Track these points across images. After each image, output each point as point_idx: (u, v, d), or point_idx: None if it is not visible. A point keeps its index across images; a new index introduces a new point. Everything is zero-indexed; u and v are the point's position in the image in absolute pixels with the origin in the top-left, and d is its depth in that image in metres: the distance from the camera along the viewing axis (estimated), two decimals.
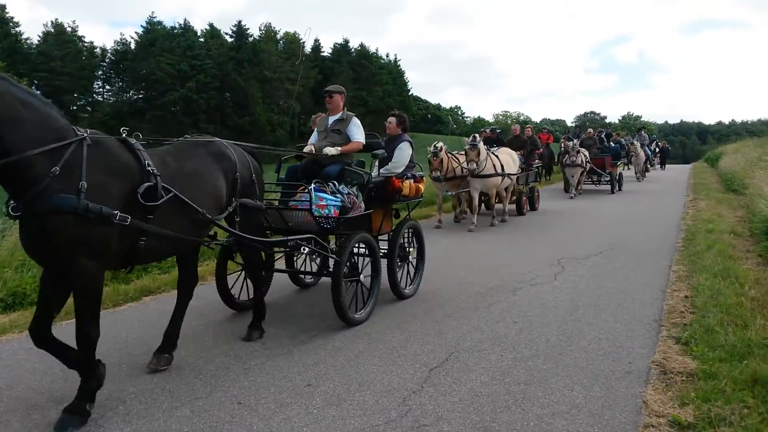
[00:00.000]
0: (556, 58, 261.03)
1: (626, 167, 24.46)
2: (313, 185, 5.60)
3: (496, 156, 11.90)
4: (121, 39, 79.24)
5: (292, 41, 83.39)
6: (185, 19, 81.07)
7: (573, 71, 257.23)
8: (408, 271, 6.74)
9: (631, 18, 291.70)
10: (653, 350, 4.83)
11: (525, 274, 7.57)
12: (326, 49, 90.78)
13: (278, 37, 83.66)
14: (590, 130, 23.21)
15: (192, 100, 70.09)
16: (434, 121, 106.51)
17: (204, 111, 71.01)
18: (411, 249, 6.81)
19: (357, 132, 6.34)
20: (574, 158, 17.34)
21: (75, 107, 75.60)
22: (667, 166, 35.02)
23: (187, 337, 5.30)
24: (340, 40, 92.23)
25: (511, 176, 12.32)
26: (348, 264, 5.57)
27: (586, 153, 18.41)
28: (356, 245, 5.70)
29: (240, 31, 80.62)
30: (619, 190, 19.74)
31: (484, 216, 13.01)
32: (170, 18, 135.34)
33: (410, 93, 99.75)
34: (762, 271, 7.31)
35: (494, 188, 11.96)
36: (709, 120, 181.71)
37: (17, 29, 69.26)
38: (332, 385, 4.23)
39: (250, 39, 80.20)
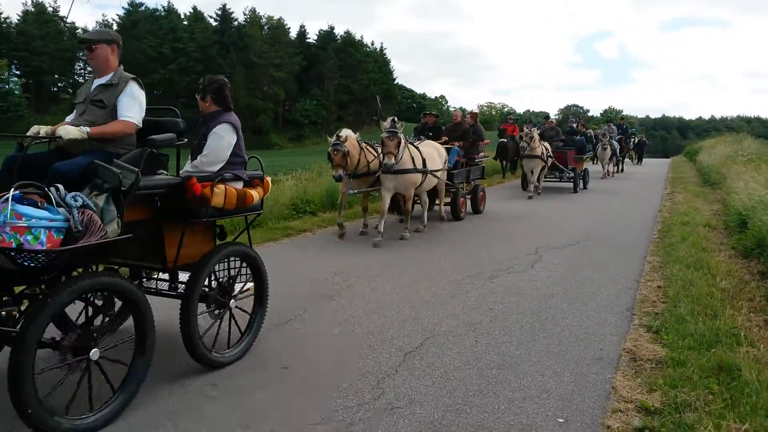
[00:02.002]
0: (540, 52, 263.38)
1: (593, 161, 22.38)
2: (11, 193, 3.10)
3: (417, 148, 9.56)
4: (103, 20, 78.13)
5: (277, 27, 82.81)
6: (169, 2, 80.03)
7: (557, 65, 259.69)
8: (233, 323, 4.54)
9: (612, 14, 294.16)
10: (624, 338, 4.92)
11: (503, 262, 7.65)
12: (312, 36, 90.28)
13: (263, 22, 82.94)
14: (552, 119, 19.91)
15: (174, 82, 69.42)
16: (419, 110, 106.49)
17: (186, 95, 70.31)
18: (244, 287, 4.65)
19: (129, 105, 4.08)
20: (526, 146, 14.93)
21: (55, 89, 74.72)
22: (645, 160, 33.24)
23: (161, 321, 5.30)
24: (325, 28, 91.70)
25: (435, 174, 9.83)
26: (73, 332, 3.39)
27: (548, 146, 16.09)
28: (84, 296, 3.50)
29: (224, 15, 79.81)
30: (584, 188, 17.53)
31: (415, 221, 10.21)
32: (154, 1, 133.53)
33: (396, 82, 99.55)
34: (734, 263, 7.46)
35: (412, 188, 9.34)
36: (689, 115, 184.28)
37: None
38: (307, 368, 4.26)
39: (235, 23, 79.46)
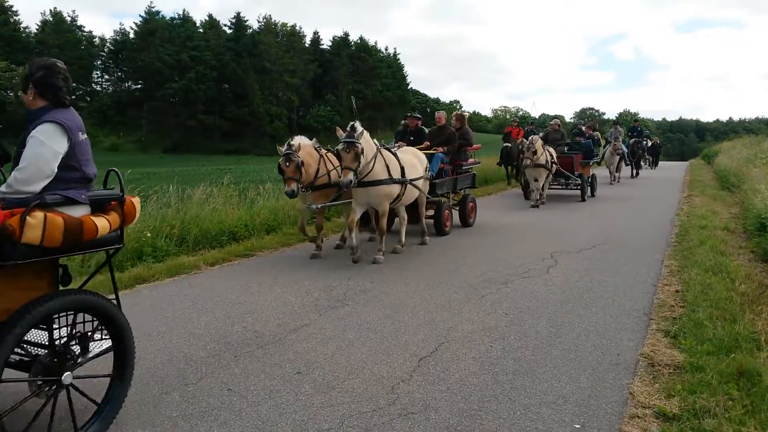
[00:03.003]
0: (555, 55, 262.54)
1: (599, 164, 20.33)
2: None
3: (395, 155, 8.36)
4: (120, 29, 79.24)
5: (292, 34, 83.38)
6: (184, 10, 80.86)
7: (571, 68, 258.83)
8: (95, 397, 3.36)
9: (626, 16, 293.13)
10: (642, 343, 4.87)
11: (518, 267, 7.60)
12: (326, 42, 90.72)
13: (277, 29, 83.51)
14: (555, 121, 18.00)
15: (191, 90, 70.01)
16: (432, 115, 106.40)
17: (203, 102, 70.98)
18: (99, 352, 3.44)
19: None
20: (530, 159, 13.46)
21: (74, 96, 75.38)
22: (661, 163, 32.29)
23: (178, 324, 5.35)
24: (339, 34, 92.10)
25: (416, 184, 8.62)
26: None
27: (552, 151, 14.61)
28: None
29: (239, 22, 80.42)
30: (592, 195, 16.18)
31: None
32: (170, 10, 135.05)
33: (409, 87, 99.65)
34: (753, 266, 7.36)
35: (386, 201, 8.00)
36: (706, 117, 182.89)
37: (16, 18, 69.10)
38: (322, 373, 4.26)
39: (249, 31, 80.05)
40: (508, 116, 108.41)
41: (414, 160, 8.78)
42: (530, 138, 13.89)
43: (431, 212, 10.32)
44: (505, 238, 9.94)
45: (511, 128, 20.62)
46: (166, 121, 68.29)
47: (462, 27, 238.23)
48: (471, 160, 11.83)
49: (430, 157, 9.79)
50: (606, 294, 6.36)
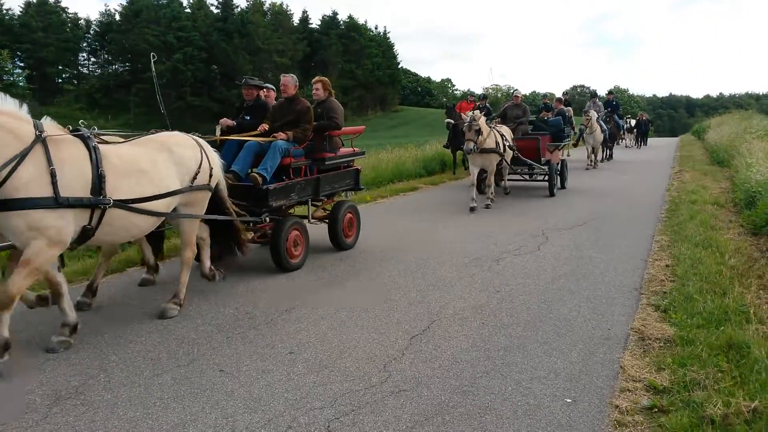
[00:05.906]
0: (547, 32, 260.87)
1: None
2: None
3: (92, 151, 4.28)
4: (105, 10, 78.09)
5: (279, 12, 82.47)
6: None
7: (564, 45, 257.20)
8: None
9: None
10: (632, 317, 4.90)
11: (510, 244, 7.61)
12: (314, 21, 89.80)
13: (265, 8, 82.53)
14: (517, 94, 13.56)
15: (179, 72, 69.24)
16: (423, 94, 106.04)
17: (191, 84, 70.26)
18: None
19: None
20: (473, 140, 9.97)
21: (60, 80, 74.71)
22: (650, 140, 31.47)
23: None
24: (328, 12, 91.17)
25: (135, 206, 4.51)
26: None
27: (506, 132, 11.30)
28: None
29: (226, 2, 79.40)
30: (562, 188, 12.92)
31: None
32: None
33: (400, 66, 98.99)
34: (743, 240, 7.39)
35: (38, 241, 3.92)
36: (697, 93, 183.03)
37: None
38: (314, 353, 4.26)
39: (237, 10, 79.07)
40: (499, 95, 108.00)
41: (146, 159, 4.76)
42: (472, 113, 10.32)
43: (256, 234, 6.89)
44: (497, 216, 9.92)
45: (465, 103, 16.21)
46: (155, 104, 67.50)
47: (454, 5, 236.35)
48: (345, 150, 7.87)
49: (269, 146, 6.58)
50: (597, 270, 6.38)
